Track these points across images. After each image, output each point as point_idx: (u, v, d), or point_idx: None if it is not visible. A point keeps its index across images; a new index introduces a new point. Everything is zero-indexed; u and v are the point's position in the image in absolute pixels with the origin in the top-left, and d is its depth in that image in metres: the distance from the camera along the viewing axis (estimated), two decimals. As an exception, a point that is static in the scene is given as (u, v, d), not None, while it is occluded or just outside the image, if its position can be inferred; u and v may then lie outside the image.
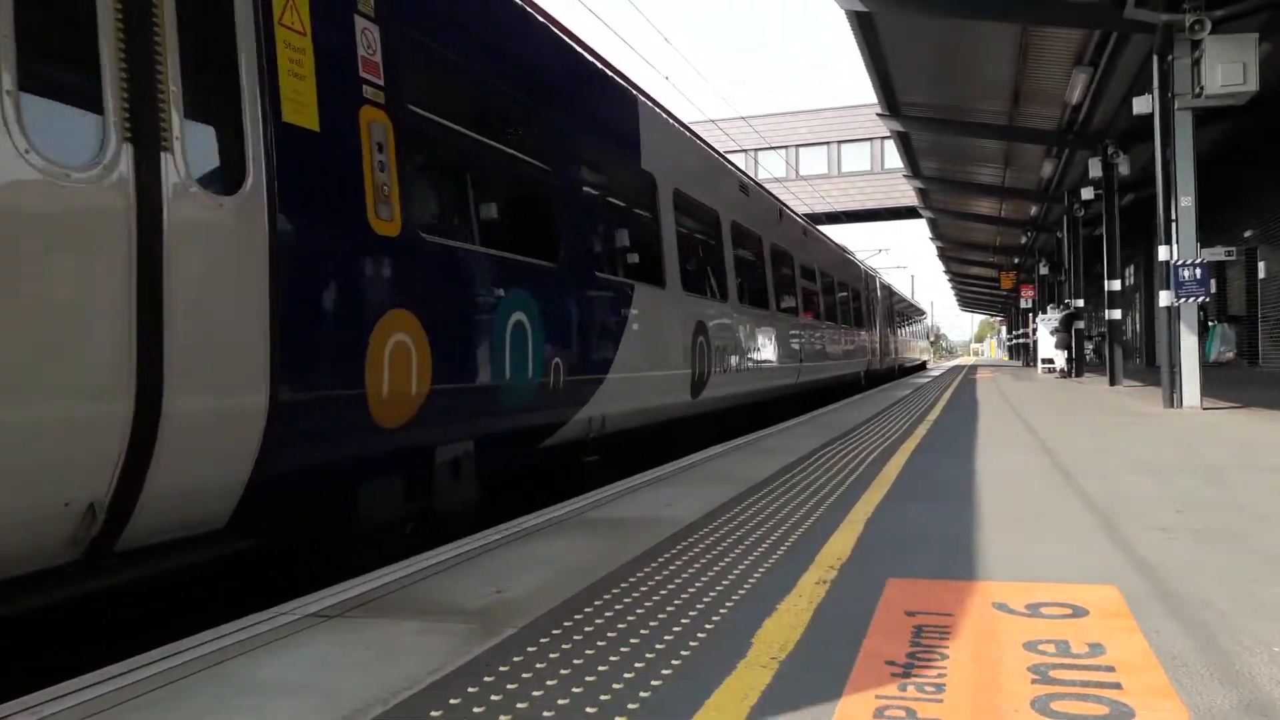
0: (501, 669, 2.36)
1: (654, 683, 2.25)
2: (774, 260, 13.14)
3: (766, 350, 12.29)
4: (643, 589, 3.14)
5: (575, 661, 2.41)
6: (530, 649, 2.52)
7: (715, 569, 3.41)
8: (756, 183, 12.59)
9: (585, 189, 7.08)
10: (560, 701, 2.14)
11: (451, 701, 2.15)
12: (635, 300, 7.54)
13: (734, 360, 10.49)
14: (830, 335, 17.92)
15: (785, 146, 48.86)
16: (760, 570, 3.38)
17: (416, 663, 2.43)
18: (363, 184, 4.22)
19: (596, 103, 7.48)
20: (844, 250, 22.13)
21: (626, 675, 2.30)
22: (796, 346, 14.35)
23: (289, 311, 3.68)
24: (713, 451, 7.78)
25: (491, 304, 5.29)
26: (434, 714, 2.08)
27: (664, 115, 9.18)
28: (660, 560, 3.57)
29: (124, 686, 2.31)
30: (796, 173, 47.38)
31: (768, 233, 12.85)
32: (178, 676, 2.38)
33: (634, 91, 8.30)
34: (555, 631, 2.68)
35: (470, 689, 2.23)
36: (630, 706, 2.10)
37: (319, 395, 3.89)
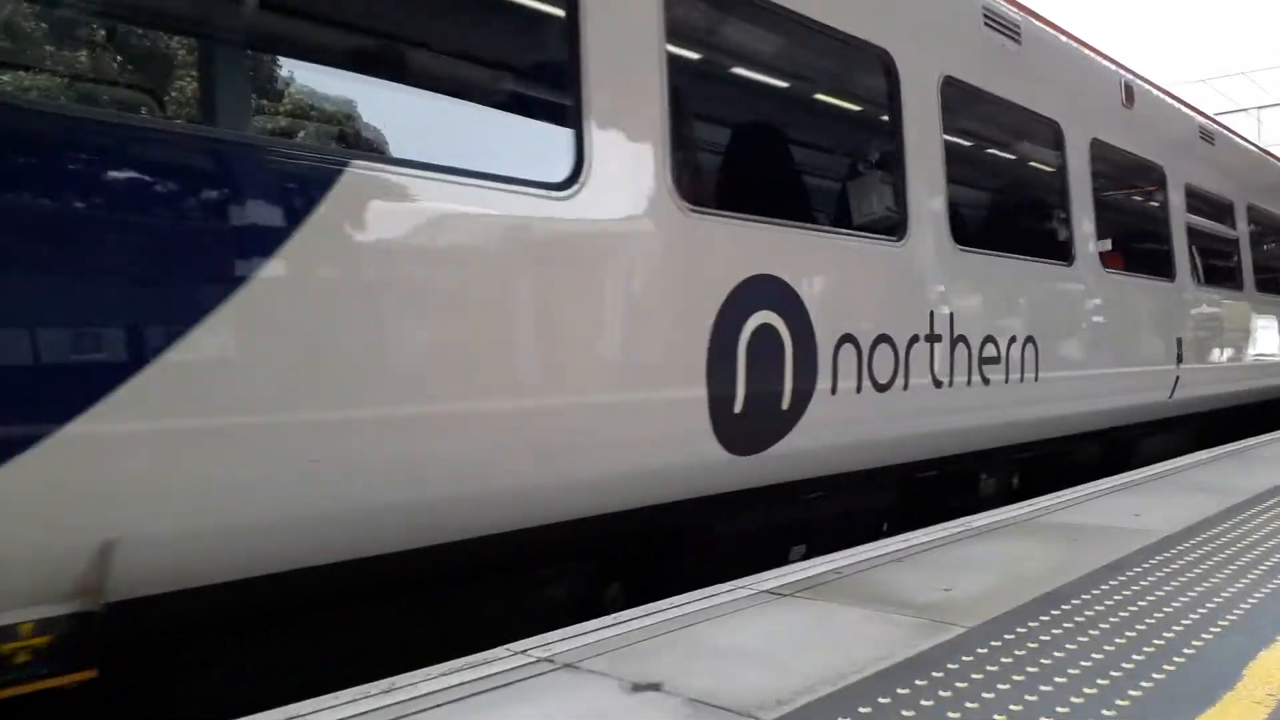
0: (950, 666, 2.35)
1: (1119, 702, 2.09)
2: (1179, 202, 7.73)
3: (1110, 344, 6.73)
4: (1106, 603, 2.90)
5: (1029, 669, 2.32)
6: (980, 650, 2.47)
7: (1196, 590, 3.03)
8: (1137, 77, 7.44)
9: None
10: (1013, 707, 2.08)
11: (899, 691, 2.19)
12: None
13: (971, 361, 5.16)
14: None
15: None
16: (1256, 596, 2.94)
17: (863, 649, 2.50)
18: None
19: None
20: None
21: (1087, 690, 2.17)
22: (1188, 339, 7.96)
23: None
24: (1189, 460, 6.82)
25: None
26: (881, 700, 2.14)
27: None
28: (1128, 574, 3.26)
29: (606, 638, 2.69)
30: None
31: (1171, 156, 7.54)
32: (652, 634, 2.71)
33: None
34: (1008, 636, 2.59)
35: (918, 681, 2.25)
36: (1092, 724, 1.99)
37: None
